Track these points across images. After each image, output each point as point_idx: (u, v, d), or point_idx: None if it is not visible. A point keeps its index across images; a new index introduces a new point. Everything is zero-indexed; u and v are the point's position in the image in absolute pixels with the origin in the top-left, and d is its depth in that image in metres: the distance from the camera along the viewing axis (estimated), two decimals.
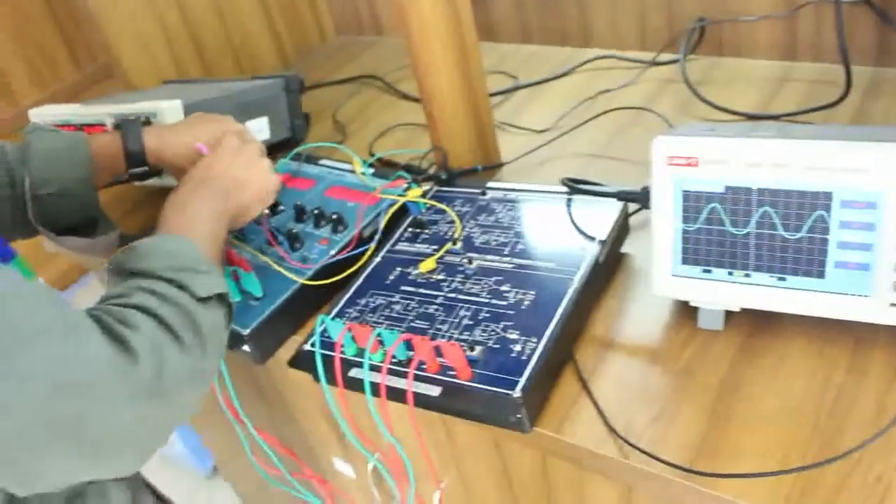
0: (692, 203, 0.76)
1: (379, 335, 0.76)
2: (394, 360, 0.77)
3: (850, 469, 0.66)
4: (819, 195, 0.71)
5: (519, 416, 0.71)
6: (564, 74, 1.34)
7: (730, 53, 1.29)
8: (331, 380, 0.77)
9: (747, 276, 0.77)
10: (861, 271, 0.72)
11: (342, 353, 0.79)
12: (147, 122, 0.97)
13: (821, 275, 0.74)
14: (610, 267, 0.89)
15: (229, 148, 0.89)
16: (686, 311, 0.83)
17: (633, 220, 0.94)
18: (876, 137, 0.70)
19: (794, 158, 0.71)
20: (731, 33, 1.27)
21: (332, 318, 0.84)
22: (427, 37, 0.95)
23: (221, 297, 0.73)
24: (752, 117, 1.13)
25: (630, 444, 0.71)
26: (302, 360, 0.82)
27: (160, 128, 0.96)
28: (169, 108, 1.05)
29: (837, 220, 0.71)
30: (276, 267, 0.93)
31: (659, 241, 0.78)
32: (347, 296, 0.88)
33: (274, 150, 1.24)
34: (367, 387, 0.74)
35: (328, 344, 0.80)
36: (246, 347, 0.87)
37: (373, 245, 0.93)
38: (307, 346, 0.83)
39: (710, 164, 0.74)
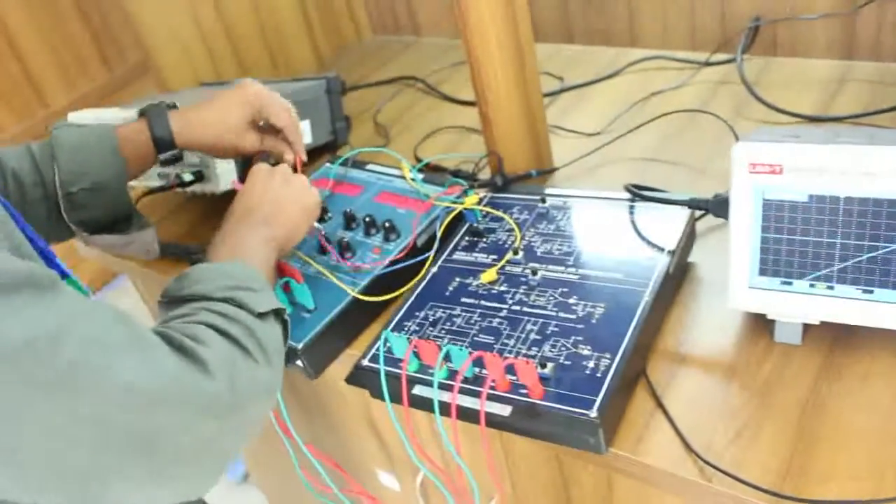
0: (774, 212, 0.72)
1: (447, 353, 0.73)
2: (462, 378, 0.74)
3: None
4: None
5: (596, 437, 0.68)
6: (612, 75, 1.30)
7: (784, 53, 1.25)
8: (395, 398, 0.74)
9: (830, 287, 0.73)
10: None
11: (406, 370, 0.76)
12: (172, 106, 0.94)
13: None
14: (678, 277, 0.85)
15: (259, 175, 0.88)
16: (760, 324, 0.79)
17: (698, 226, 0.91)
18: None
19: (885, 165, 0.67)
20: (787, 32, 1.23)
21: (392, 332, 0.81)
22: (485, 36, 0.92)
23: (278, 313, 0.72)
24: (813, 119, 1.09)
25: (712, 466, 0.68)
26: (361, 377, 0.79)
27: (186, 111, 0.94)
28: None
29: None
30: (328, 277, 0.90)
31: (737, 251, 0.75)
32: (405, 308, 0.85)
33: (316, 153, 1.21)
34: (437, 406, 0.71)
35: (390, 360, 0.77)
36: (299, 362, 0.84)
37: (431, 254, 0.90)
38: (366, 362, 0.80)
39: (794, 171, 0.70)
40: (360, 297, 0.88)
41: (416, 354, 0.76)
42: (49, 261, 0.66)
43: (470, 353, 0.72)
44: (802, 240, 0.72)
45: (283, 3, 1.53)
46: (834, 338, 0.77)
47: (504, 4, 0.92)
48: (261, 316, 0.69)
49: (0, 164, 0.86)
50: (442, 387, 0.73)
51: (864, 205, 0.69)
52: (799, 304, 0.75)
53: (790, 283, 0.74)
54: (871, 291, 0.72)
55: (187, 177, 1.07)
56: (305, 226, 0.87)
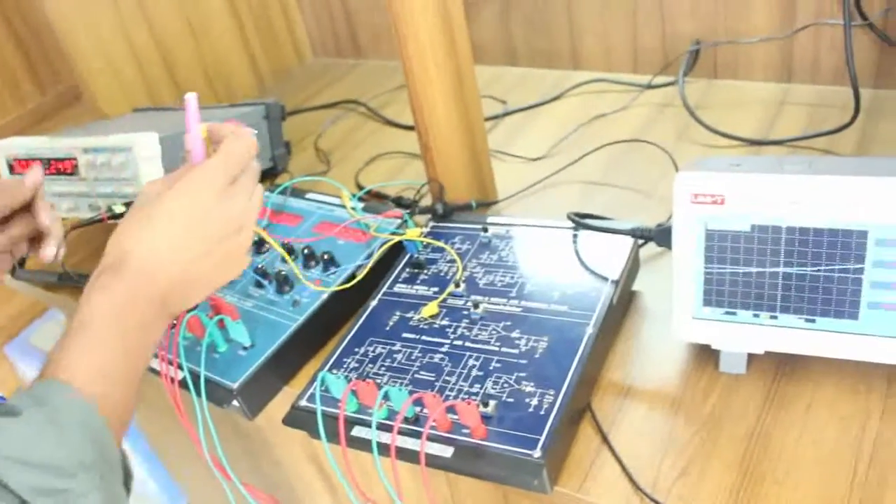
0: (717, 242, 0.71)
1: (386, 394, 0.70)
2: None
3: None
4: (853, 233, 0.67)
5: (540, 478, 0.66)
6: (556, 98, 1.30)
7: (725, 76, 1.25)
8: (332, 439, 0.71)
9: (774, 317, 0.72)
10: None
11: (344, 410, 0.73)
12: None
13: (853, 316, 0.70)
14: (623, 307, 0.84)
15: (198, 182, 0.65)
16: (705, 354, 0.78)
17: (641, 254, 0.90)
18: None
19: (827, 195, 0.67)
20: (728, 55, 1.23)
21: (330, 371, 0.79)
22: (423, 61, 0.90)
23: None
24: (754, 143, 1.09)
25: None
26: (299, 418, 0.76)
27: None
28: (144, 141, 0.99)
29: (872, 259, 0.67)
30: (266, 313, 0.87)
31: (680, 282, 0.74)
32: (344, 344, 0.82)
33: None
34: (375, 448, 0.68)
35: (329, 400, 0.74)
36: (235, 403, 0.81)
37: (357, 276, 0.88)
38: (303, 402, 0.77)
39: (737, 201, 0.69)
40: (299, 332, 0.85)
41: (355, 394, 0.73)
42: None
43: (410, 393, 0.70)
44: (746, 270, 0.71)
45: (220, 27, 1.50)
46: (779, 367, 0.76)
47: (442, 29, 0.90)
48: None
49: None
50: (383, 427, 0.70)
51: (805, 234, 0.68)
52: (743, 335, 0.74)
53: (734, 314, 0.73)
54: (814, 321, 0.71)
55: (119, 208, 1.03)
56: (223, 282, 0.69)
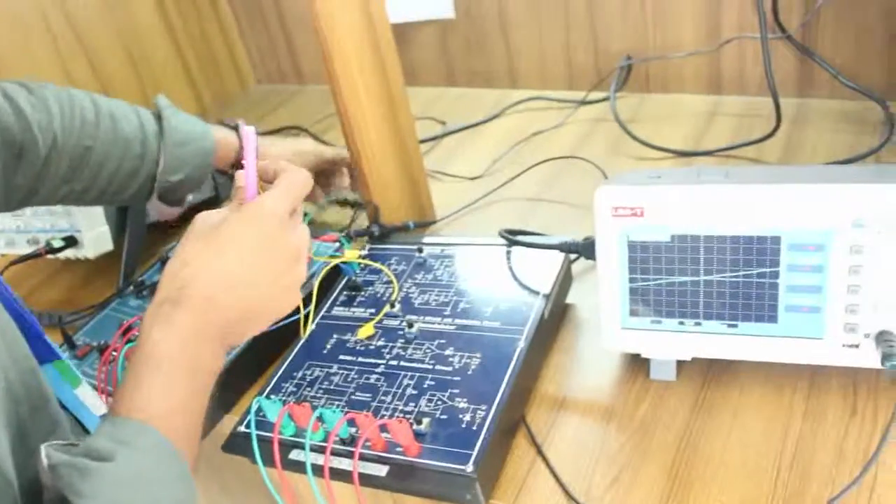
0: (639, 254, 0.73)
1: (320, 415, 0.71)
2: (337, 440, 0.72)
3: None
4: (767, 239, 0.69)
5: (473, 492, 0.67)
6: (494, 117, 1.32)
7: (657, 90, 1.28)
8: (269, 463, 0.72)
9: (698, 324, 0.74)
10: (812, 314, 0.70)
11: (280, 434, 0.73)
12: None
13: (773, 319, 0.72)
14: (556, 320, 0.86)
15: (253, 224, 0.64)
16: (638, 363, 0.80)
17: (575, 268, 0.91)
18: (819, 178, 0.69)
19: (741, 204, 0.69)
20: (658, 70, 1.27)
21: (268, 396, 0.79)
22: (353, 86, 0.91)
23: None
24: (684, 154, 1.12)
25: None
26: (236, 444, 0.77)
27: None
28: None
29: (786, 264, 0.69)
30: None
31: (606, 294, 0.75)
32: (282, 369, 0.83)
33: (196, 210, 1.18)
34: (309, 470, 0.69)
35: (265, 424, 0.75)
36: None
37: (303, 305, 0.88)
38: (241, 428, 0.77)
39: (656, 213, 0.71)
40: (239, 359, 0.86)
41: (291, 418, 0.73)
42: (38, 340, 0.61)
43: (343, 413, 0.71)
44: (668, 279, 0.73)
45: (161, 56, 1.50)
46: (707, 372, 0.78)
47: (371, 52, 0.92)
48: None
49: (99, 108, 0.91)
50: (320, 450, 0.71)
51: (723, 242, 0.70)
52: (670, 342, 0.76)
53: (660, 322, 0.75)
54: (736, 325, 0.73)
55: (57, 243, 1.03)
56: (279, 314, 0.68)
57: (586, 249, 0.80)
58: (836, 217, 0.67)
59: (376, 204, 0.99)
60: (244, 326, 0.64)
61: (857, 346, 0.70)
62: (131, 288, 1.02)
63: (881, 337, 0.68)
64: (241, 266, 0.62)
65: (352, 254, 0.92)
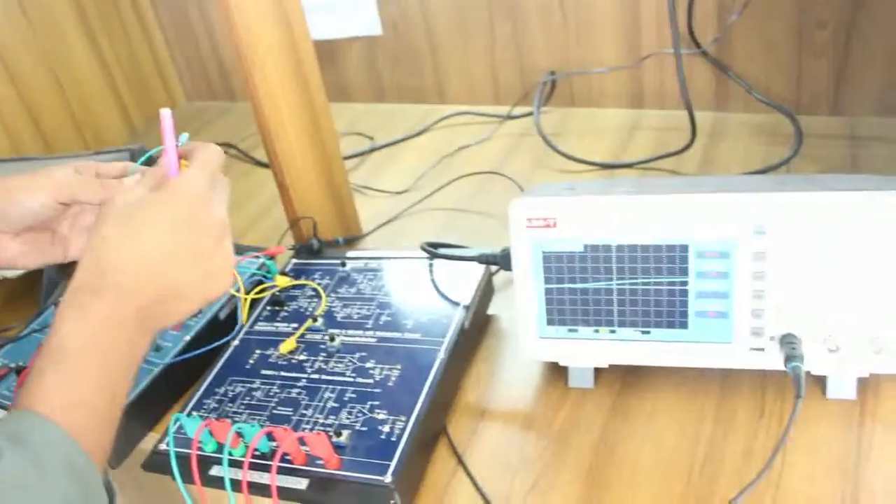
0: (553, 264, 0.75)
1: (238, 429, 0.71)
2: (257, 454, 0.72)
3: None
4: (676, 247, 0.71)
5: (393, 502, 0.67)
6: (421, 132, 1.33)
7: (581, 104, 1.31)
8: (189, 480, 0.72)
9: (613, 332, 0.76)
10: (721, 319, 0.73)
11: (200, 450, 0.73)
12: None
13: (683, 325, 0.74)
14: (477, 331, 0.87)
15: (183, 189, 0.62)
16: (557, 371, 0.81)
17: (498, 280, 0.93)
18: (725, 188, 0.71)
19: (650, 213, 0.71)
20: (581, 84, 1.29)
21: (189, 413, 0.79)
22: (275, 103, 0.92)
23: None
24: (606, 167, 1.14)
25: None
26: (156, 462, 0.76)
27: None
28: None
29: (695, 271, 0.72)
30: None
31: (523, 304, 0.77)
32: (204, 386, 0.82)
33: None
34: (228, 485, 0.69)
35: (185, 441, 0.75)
36: None
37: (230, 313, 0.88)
38: (162, 446, 0.77)
39: (568, 224, 0.73)
40: (161, 377, 0.85)
41: (211, 434, 0.73)
42: None
43: (262, 427, 0.71)
44: (583, 288, 0.75)
45: (88, 78, 1.49)
46: (624, 379, 0.80)
47: (293, 70, 0.93)
48: None
49: None
50: (238, 465, 0.71)
51: (634, 251, 0.72)
52: (587, 350, 0.77)
53: (576, 330, 0.77)
54: (649, 332, 0.75)
55: None
56: (210, 296, 0.63)
57: (504, 260, 0.81)
58: (739, 225, 0.69)
59: (301, 220, 0.99)
60: (170, 307, 0.61)
61: (762, 349, 0.73)
62: (53, 308, 1.00)
63: (784, 340, 0.71)
64: (160, 246, 0.59)
65: (282, 281, 0.92)
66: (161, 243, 0.59)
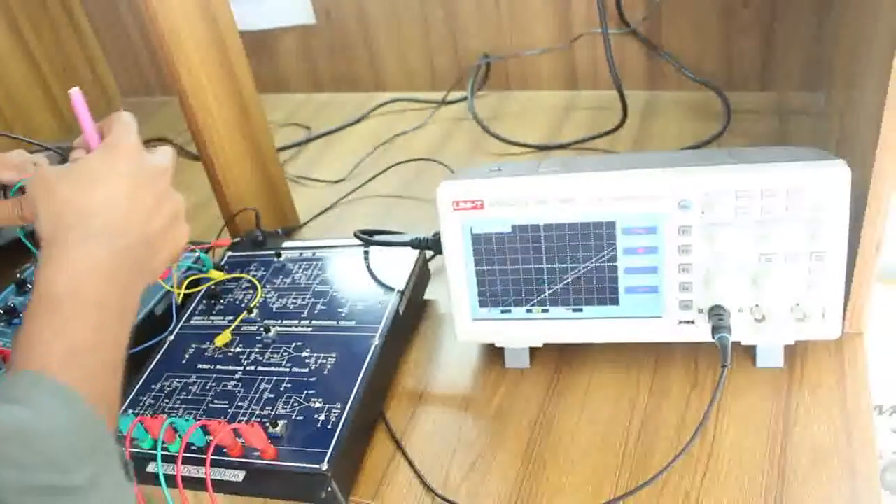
0: (482, 245, 0.75)
1: (172, 424, 0.70)
2: (193, 448, 0.71)
3: (659, 491, 0.66)
4: (603, 225, 0.72)
5: (330, 489, 0.67)
6: (358, 121, 1.33)
7: (517, 87, 1.32)
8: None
9: (545, 311, 0.77)
10: (651, 294, 0.74)
11: (137, 447, 0.72)
12: None
13: (615, 301, 0.75)
14: (414, 316, 0.87)
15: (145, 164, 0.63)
16: (494, 353, 0.82)
17: (434, 265, 0.93)
18: (649, 164, 0.72)
19: (576, 192, 0.72)
20: (516, 67, 1.30)
21: (124, 411, 0.78)
22: (201, 95, 0.90)
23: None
24: (542, 148, 1.15)
25: (447, 501, 0.69)
26: None
27: None
28: None
29: (623, 247, 0.72)
30: None
31: (455, 286, 0.77)
32: (140, 382, 0.81)
33: None
34: (162, 480, 0.68)
35: (120, 440, 0.74)
36: None
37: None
38: None
39: (495, 205, 0.73)
40: None
41: (147, 431, 0.73)
42: None
43: (196, 421, 0.70)
44: (513, 268, 0.76)
45: (18, 77, 1.45)
46: (560, 357, 0.81)
47: (220, 62, 0.92)
48: None
49: None
50: (173, 460, 0.70)
51: (562, 230, 0.73)
52: (521, 330, 0.78)
53: (509, 311, 0.77)
54: (581, 310, 0.76)
55: None
56: (178, 244, 0.66)
57: (437, 245, 0.81)
58: (663, 200, 0.70)
59: (257, 210, 0.98)
60: (143, 256, 0.61)
61: (692, 322, 0.74)
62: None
63: (713, 311, 0.72)
64: (119, 191, 0.59)
65: (217, 275, 0.91)
66: (119, 188, 0.59)
